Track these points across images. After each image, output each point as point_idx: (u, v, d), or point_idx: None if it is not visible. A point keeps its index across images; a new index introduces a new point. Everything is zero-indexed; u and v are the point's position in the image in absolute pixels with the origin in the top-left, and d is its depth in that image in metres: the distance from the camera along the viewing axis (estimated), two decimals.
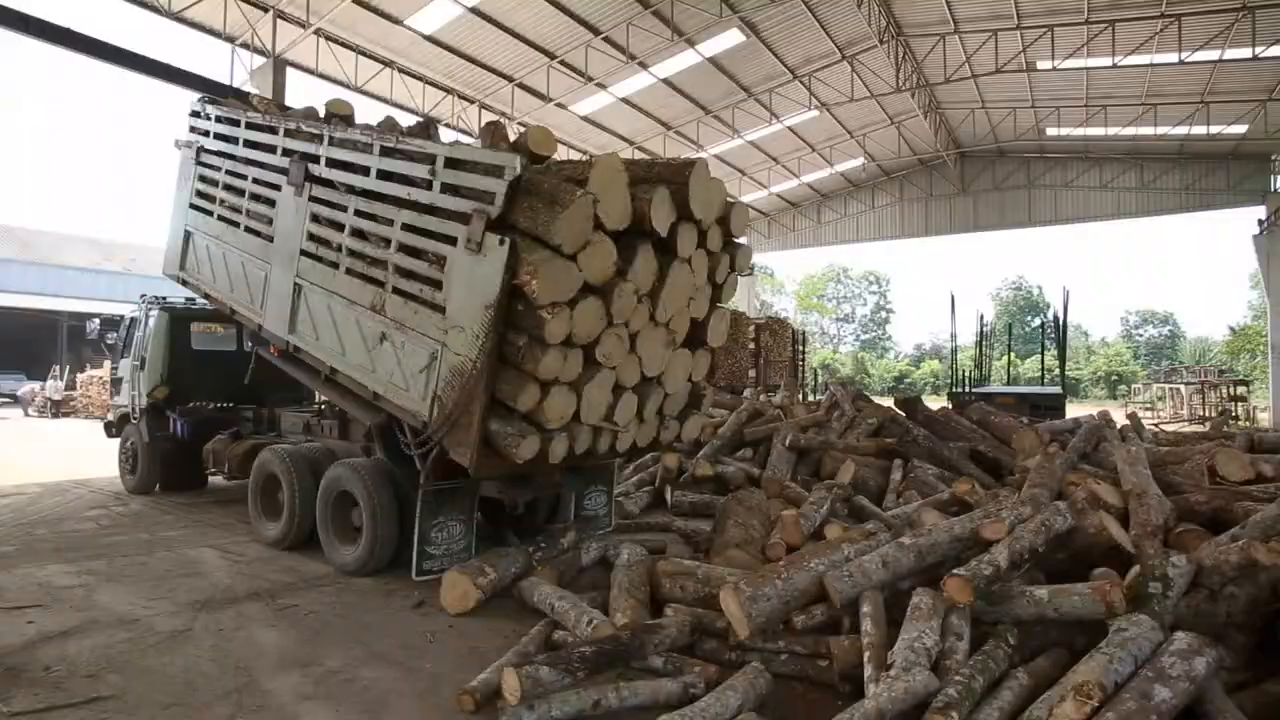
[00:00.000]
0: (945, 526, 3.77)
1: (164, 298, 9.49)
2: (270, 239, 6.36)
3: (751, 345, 21.23)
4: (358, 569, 5.53)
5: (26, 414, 23.80)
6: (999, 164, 26.26)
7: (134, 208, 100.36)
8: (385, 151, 5.21)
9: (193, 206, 7.42)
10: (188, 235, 7.55)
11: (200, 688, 3.54)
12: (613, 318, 4.59)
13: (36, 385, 24.99)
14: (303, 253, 5.94)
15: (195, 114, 7.52)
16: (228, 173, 6.95)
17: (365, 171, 5.37)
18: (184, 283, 7.77)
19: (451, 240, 4.67)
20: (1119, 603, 2.88)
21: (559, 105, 19.36)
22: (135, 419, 9.07)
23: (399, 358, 5.10)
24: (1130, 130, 21.13)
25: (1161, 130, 20.61)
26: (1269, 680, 2.92)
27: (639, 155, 23.47)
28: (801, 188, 28.57)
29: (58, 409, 23.22)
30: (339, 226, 5.60)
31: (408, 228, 5.00)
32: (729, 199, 5.30)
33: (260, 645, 4.11)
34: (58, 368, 25.59)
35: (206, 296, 7.54)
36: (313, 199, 5.86)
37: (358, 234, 5.45)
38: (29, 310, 30.84)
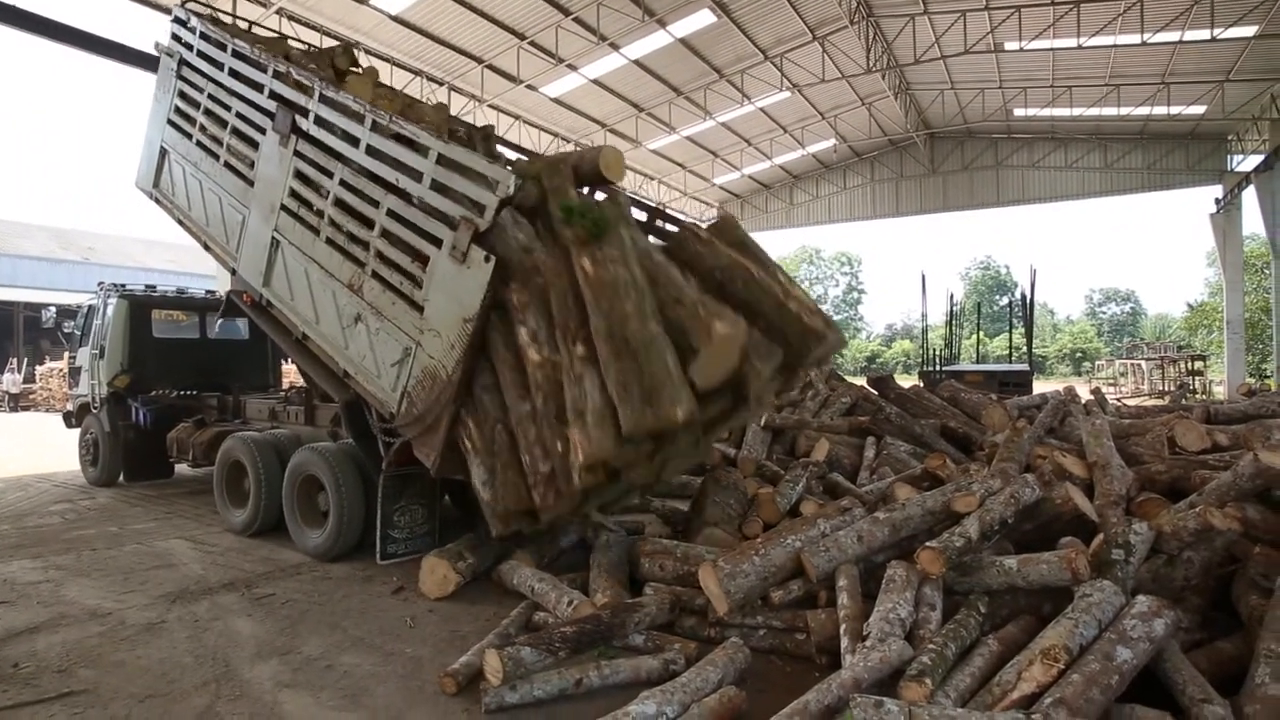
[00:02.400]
0: (918, 501, 3.86)
1: (123, 285, 9.28)
2: (251, 183, 6.00)
3: None
4: (324, 553, 5.55)
5: None
6: (968, 144, 26.54)
7: (92, 197, 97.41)
8: (377, 127, 4.88)
9: (170, 123, 6.93)
10: (163, 152, 7.07)
11: (177, 679, 3.50)
12: None
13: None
14: (283, 207, 5.64)
15: (179, 22, 6.92)
16: (210, 97, 6.44)
17: (355, 143, 5.03)
18: (156, 201, 7.29)
19: (437, 242, 4.43)
20: (1084, 570, 2.97)
21: (529, 87, 19.11)
22: (96, 409, 8.89)
23: (372, 344, 4.95)
24: (1094, 111, 21.48)
25: (1125, 111, 20.99)
26: (1222, 639, 3.04)
27: (611, 138, 23.29)
28: (774, 169, 28.62)
29: (16, 403, 22.57)
30: (323, 192, 5.29)
31: (393, 215, 4.74)
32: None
33: (237, 635, 4.07)
34: (14, 360, 24.81)
35: (180, 222, 7.09)
36: (298, 154, 5.51)
37: (341, 205, 5.14)
38: None
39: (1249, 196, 20.41)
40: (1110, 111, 21.32)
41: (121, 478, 8.92)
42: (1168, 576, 3.26)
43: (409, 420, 4.64)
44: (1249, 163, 21.01)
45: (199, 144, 6.60)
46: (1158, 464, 4.33)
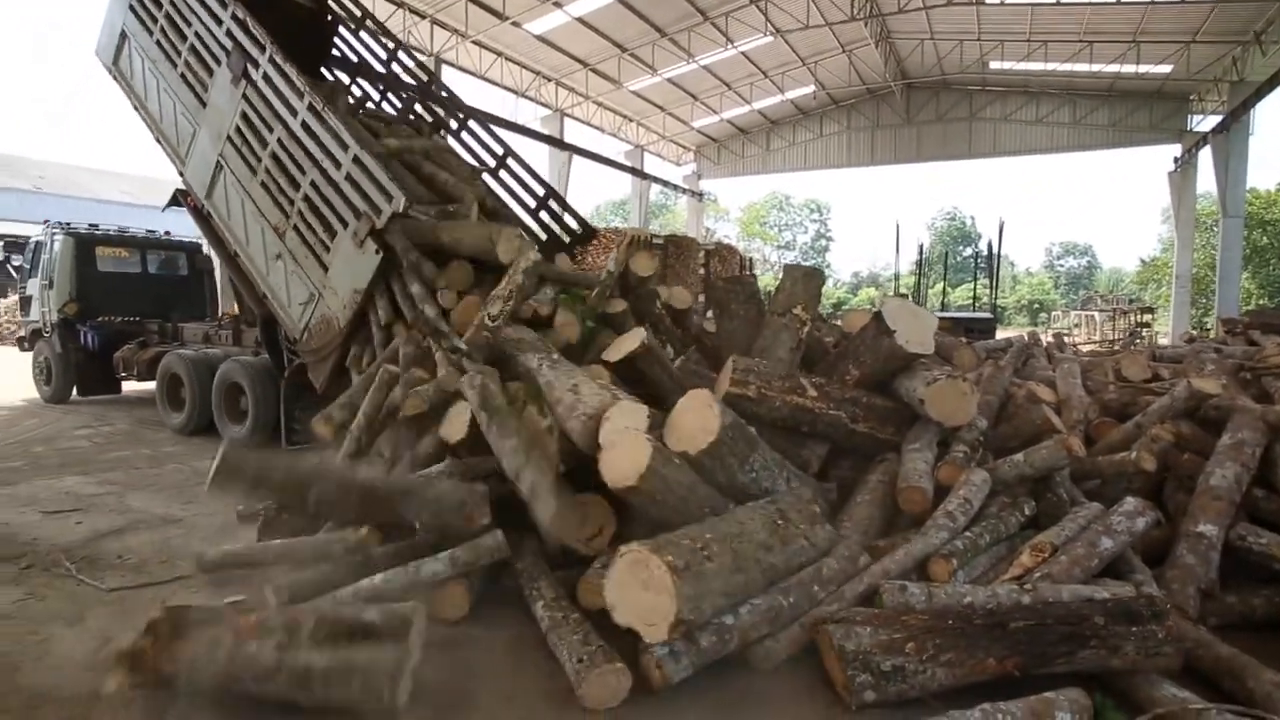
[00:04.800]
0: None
1: (68, 223, 10.41)
2: (204, 104, 6.41)
3: (701, 270, 21.79)
4: (247, 443, 6.74)
5: None
6: (943, 95, 26.91)
7: (39, 121, 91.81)
8: (313, 110, 5.50)
9: (132, 9, 6.95)
10: (124, 35, 7.12)
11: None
12: None
13: None
14: (229, 139, 6.17)
15: None
16: (173, 4, 6.56)
17: (293, 113, 5.62)
18: (115, 77, 7.39)
19: (344, 222, 5.32)
20: (1077, 447, 3.57)
21: (514, 24, 18.81)
22: (47, 334, 9.97)
23: (287, 280, 5.93)
24: (1067, 66, 21.98)
25: (1096, 67, 21.54)
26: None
27: (592, 78, 23.08)
28: (752, 114, 28.66)
29: (20, 341, 22.02)
30: (263, 140, 5.89)
31: (315, 186, 5.52)
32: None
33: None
34: None
35: (135, 107, 7.25)
36: (246, 98, 5.97)
37: (276, 159, 5.80)
38: None
39: (1205, 156, 21.32)
40: (1082, 68, 21.86)
41: (75, 394, 9.96)
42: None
43: (307, 350, 5.79)
44: (1208, 123, 21.85)
45: (158, 44, 6.76)
46: (1110, 392, 5.05)
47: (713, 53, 22.36)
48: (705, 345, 5.50)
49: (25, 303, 10.95)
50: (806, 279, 4.71)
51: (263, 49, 5.78)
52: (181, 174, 6.81)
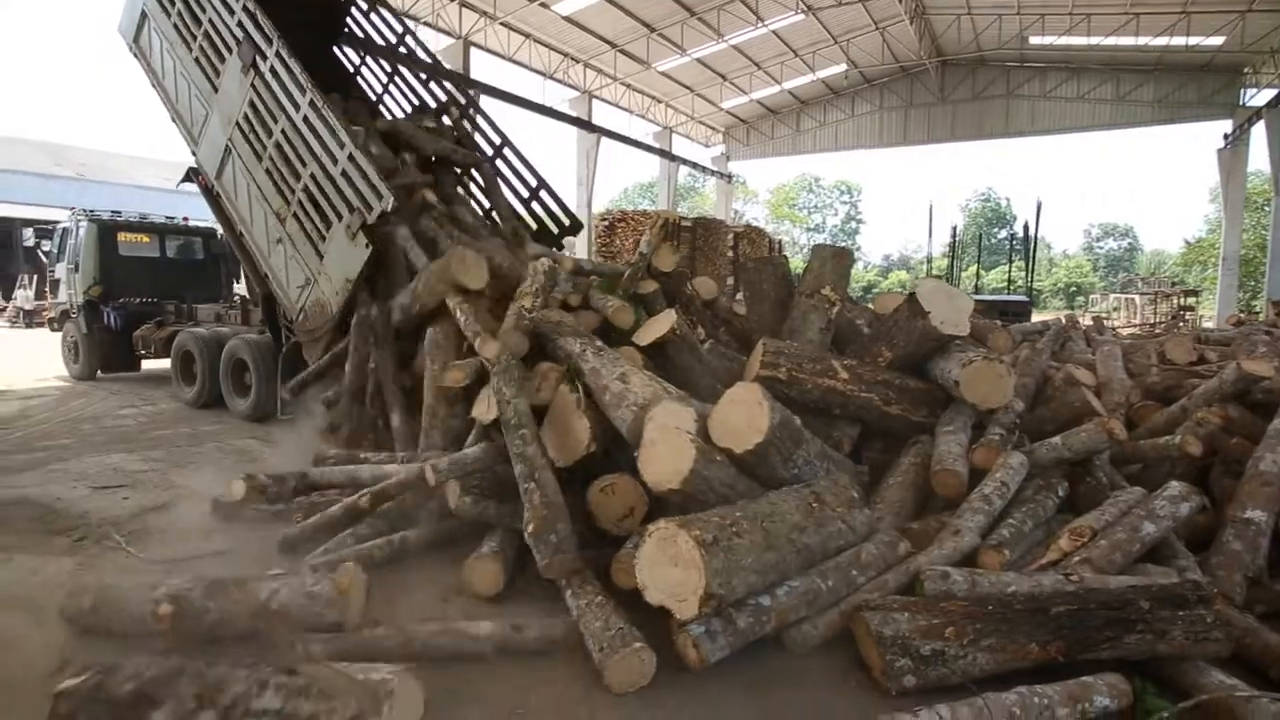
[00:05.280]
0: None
1: (93, 210, 10.98)
2: (215, 89, 6.67)
3: (730, 253, 21.62)
4: (248, 415, 7.38)
5: None
6: (980, 73, 26.18)
7: (82, 112, 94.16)
8: (313, 105, 5.77)
9: None
10: (144, 15, 7.33)
11: None
12: None
13: None
14: (238, 124, 6.46)
15: None
16: None
17: (296, 107, 5.89)
18: (135, 55, 7.63)
19: (339, 215, 5.67)
20: (1118, 430, 3.47)
21: (542, 4, 18.70)
22: (74, 315, 10.55)
23: (286, 264, 6.32)
24: (1111, 40, 21.21)
25: (1142, 41, 20.73)
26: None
27: (620, 59, 22.89)
28: (782, 94, 28.21)
29: (31, 319, 22.78)
30: (268, 130, 6.17)
31: (314, 179, 5.84)
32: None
33: None
34: (25, 277, 24.84)
35: (154, 85, 7.48)
36: (254, 88, 6.21)
37: (279, 149, 6.12)
38: None
39: (1257, 132, 20.48)
40: (1127, 41, 21.07)
41: (99, 372, 10.52)
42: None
43: (303, 329, 6.21)
44: (1262, 97, 20.95)
45: (175, 27, 6.97)
46: (1154, 375, 4.91)
47: (743, 31, 22.02)
48: (735, 327, 5.47)
49: (54, 286, 11.59)
50: (835, 259, 4.65)
51: (270, 42, 6.01)
52: (194, 154, 7.11)
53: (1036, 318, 15.21)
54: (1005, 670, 2.46)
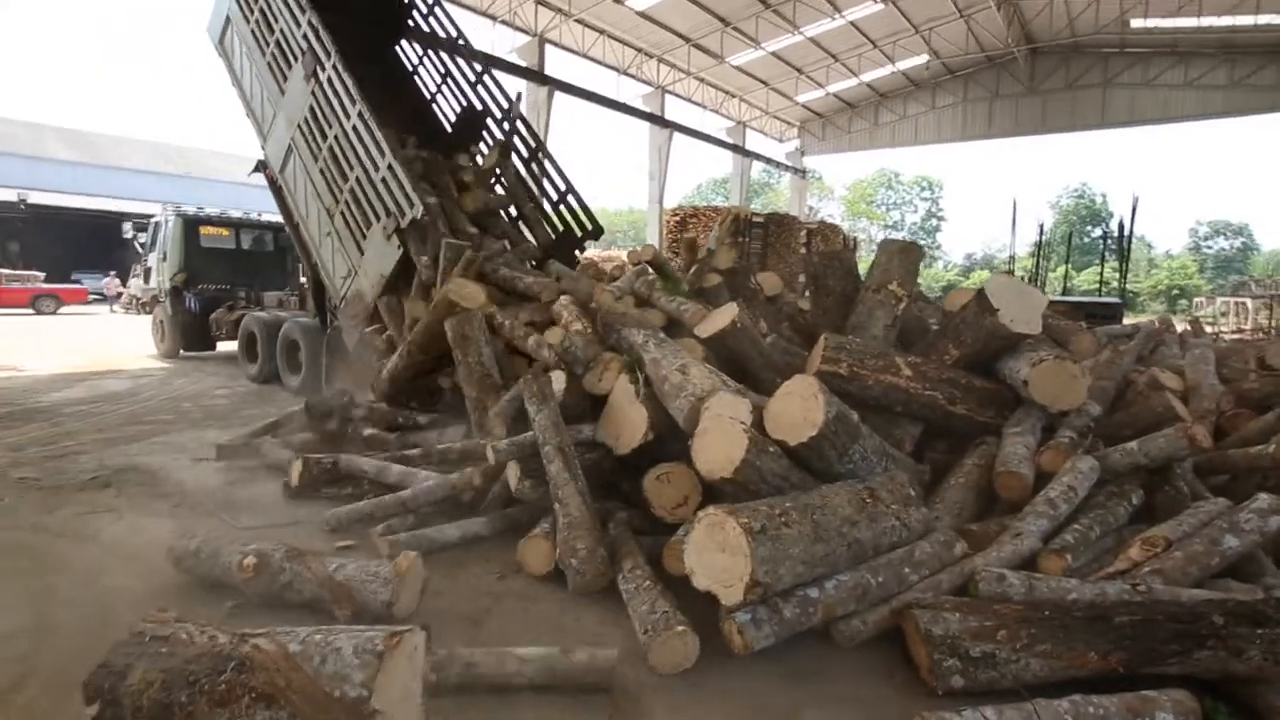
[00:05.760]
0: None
1: (179, 206, 12.50)
2: (282, 92, 7.39)
3: (803, 249, 21.26)
4: (299, 391, 7.82)
5: (112, 310, 25.28)
6: (1074, 60, 24.80)
7: (187, 111, 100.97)
8: (361, 117, 6.34)
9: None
10: (228, 19, 8.10)
11: None
12: None
13: (113, 281, 26.31)
14: (299, 126, 7.18)
15: None
16: (266, 2, 7.38)
17: (346, 116, 6.51)
18: (219, 54, 8.45)
19: (378, 216, 6.32)
20: (1202, 437, 3.27)
21: (615, 1, 18.85)
22: (161, 300, 11.95)
23: (333, 255, 7.09)
24: (1226, 20, 19.67)
25: (1263, 20, 19.12)
26: None
27: (694, 54, 22.82)
28: (860, 87, 27.52)
29: (143, 306, 24.60)
30: (324, 134, 6.87)
31: (359, 182, 6.49)
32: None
33: None
34: (137, 266, 26.81)
35: (233, 83, 8.29)
36: (313, 94, 6.86)
37: (332, 152, 6.79)
38: (94, 212, 31.88)
39: None
40: (1245, 21, 19.50)
41: (181, 350, 11.78)
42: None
43: (344, 315, 6.96)
44: None
45: (253, 33, 7.71)
46: (1249, 381, 4.59)
47: (819, 23, 21.60)
48: (799, 323, 5.43)
49: (146, 274, 13.21)
50: (903, 253, 4.54)
51: (329, 55, 6.64)
52: (263, 148, 7.94)
53: (1131, 321, 14.28)
54: (1060, 678, 2.38)
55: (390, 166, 6.13)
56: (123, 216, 31.54)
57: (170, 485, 4.78)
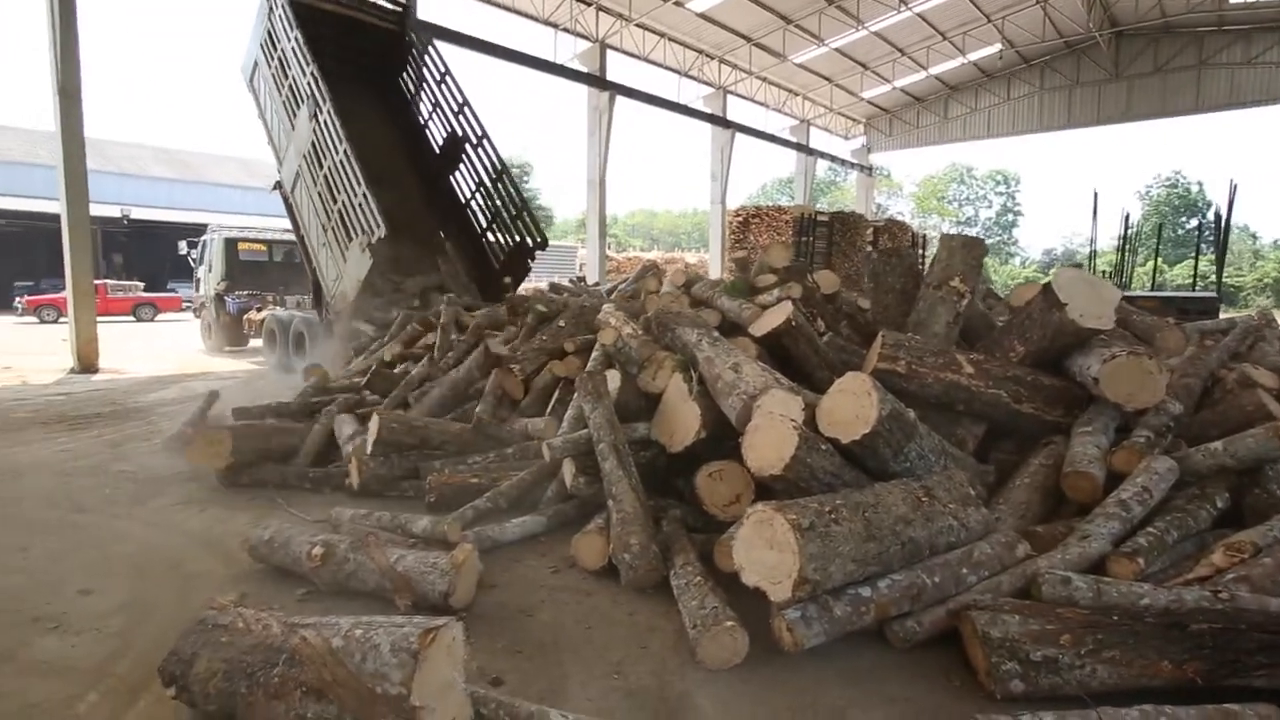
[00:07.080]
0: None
1: (221, 227, 15.95)
2: (293, 127, 9.12)
3: (869, 248, 20.76)
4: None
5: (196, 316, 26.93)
6: (1163, 42, 23.38)
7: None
8: (345, 154, 7.99)
9: (261, 46, 9.68)
10: (255, 63, 9.88)
11: None
12: None
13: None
14: (304, 156, 8.88)
15: None
16: (282, 52, 9.02)
17: (336, 152, 8.16)
18: (249, 91, 10.35)
19: (357, 233, 7.99)
20: None
21: (676, 3, 18.91)
22: (208, 305, 14.67)
23: (325, 262, 8.98)
24: None
25: None
26: None
27: (756, 53, 22.64)
28: (928, 81, 26.72)
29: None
30: (320, 164, 8.52)
31: (343, 205, 8.24)
32: None
33: None
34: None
35: (259, 116, 10.24)
36: (314, 131, 8.25)
37: (326, 180, 8.45)
38: (189, 224, 34.02)
39: None
40: None
41: (224, 347, 14.01)
42: None
43: (333, 311, 8.78)
44: None
45: (273, 77, 9.40)
46: None
47: (884, 17, 21.10)
48: (857, 321, 5.33)
49: (197, 283, 16.15)
50: (965, 249, 4.39)
51: (325, 101, 8.27)
52: (279, 171, 9.85)
53: (1228, 316, 13.34)
54: (1130, 687, 2.26)
55: (364, 195, 7.72)
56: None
57: (248, 480, 5.05)
